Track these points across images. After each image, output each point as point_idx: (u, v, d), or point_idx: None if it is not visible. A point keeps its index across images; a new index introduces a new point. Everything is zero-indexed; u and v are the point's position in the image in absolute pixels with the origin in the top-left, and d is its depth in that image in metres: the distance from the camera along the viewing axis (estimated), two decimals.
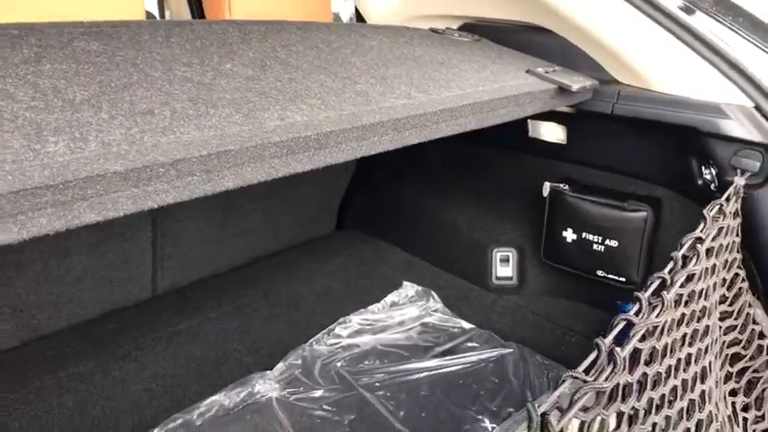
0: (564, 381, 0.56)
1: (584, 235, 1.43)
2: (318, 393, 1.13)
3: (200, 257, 1.63)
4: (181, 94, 0.63)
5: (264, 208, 1.74)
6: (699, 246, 0.80)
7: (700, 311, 0.81)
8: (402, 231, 1.90)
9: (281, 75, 0.77)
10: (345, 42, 1.00)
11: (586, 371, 0.57)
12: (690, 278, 0.77)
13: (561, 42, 1.32)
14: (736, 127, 1.03)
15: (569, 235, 1.45)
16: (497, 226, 1.69)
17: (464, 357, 1.25)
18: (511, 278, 1.66)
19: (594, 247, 1.41)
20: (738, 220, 0.99)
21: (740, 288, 0.98)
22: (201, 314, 1.47)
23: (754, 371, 0.99)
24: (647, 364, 0.66)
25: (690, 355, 0.77)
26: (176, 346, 1.34)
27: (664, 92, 1.12)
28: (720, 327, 0.94)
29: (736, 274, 0.97)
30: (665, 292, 0.70)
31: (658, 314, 0.68)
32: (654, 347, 0.68)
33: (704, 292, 0.83)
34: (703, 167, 1.15)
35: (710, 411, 0.79)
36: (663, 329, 0.70)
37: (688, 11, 1.10)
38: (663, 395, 0.69)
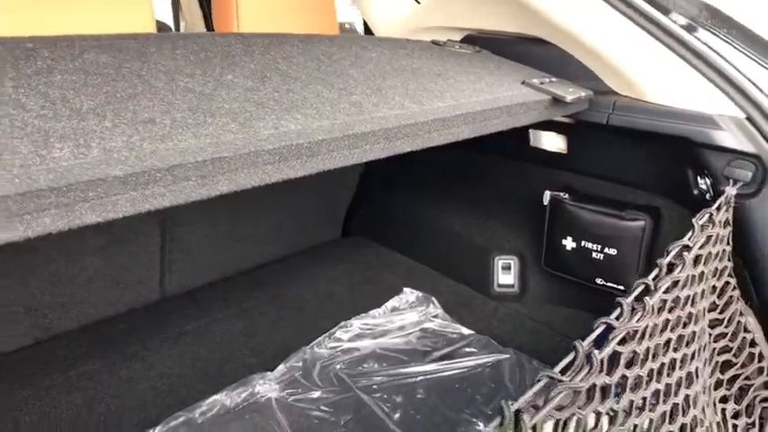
0: (539, 380, 0.58)
1: (583, 243, 1.44)
2: (316, 394, 1.16)
3: (207, 261, 1.67)
4: (182, 104, 0.66)
5: (271, 214, 1.78)
6: (686, 253, 0.82)
7: (686, 318, 0.83)
8: (405, 238, 1.93)
9: (280, 86, 0.80)
10: (345, 54, 1.04)
11: (563, 371, 0.60)
12: (675, 284, 0.79)
13: (561, 54, 1.34)
14: (728, 138, 1.05)
15: (569, 243, 1.47)
16: (499, 234, 1.71)
17: (461, 362, 1.27)
18: (512, 286, 1.68)
19: (594, 255, 1.43)
20: (729, 228, 1.00)
21: (731, 296, 0.99)
22: (208, 316, 1.51)
23: (746, 378, 1.00)
24: (628, 366, 0.68)
25: (674, 359, 0.79)
26: (182, 346, 1.38)
27: (658, 103, 1.14)
28: (710, 334, 0.96)
29: (727, 283, 0.99)
30: (647, 298, 0.72)
31: (639, 319, 0.70)
32: (634, 351, 0.69)
33: (690, 298, 0.84)
34: (699, 177, 1.17)
35: (695, 416, 0.81)
36: (644, 334, 0.71)
37: (682, 24, 1.12)
38: (644, 398, 0.71)
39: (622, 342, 0.68)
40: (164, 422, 1.08)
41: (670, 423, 0.75)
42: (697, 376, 0.85)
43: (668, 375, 0.77)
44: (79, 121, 0.56)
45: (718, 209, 0.96)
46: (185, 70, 0.78)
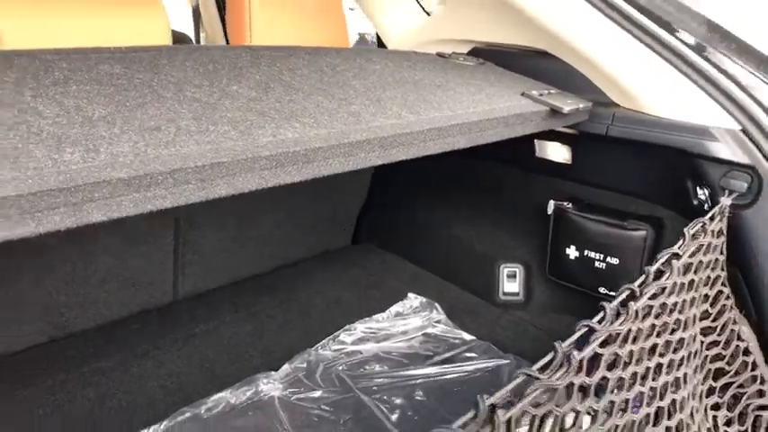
0: (517, 377, 0.61)
1: (586, 252, 1.46)
2: (318, 394, 1.20)
3: (219, 265, 1.72)
4: (187, 113, 0.71)
5: (283, 221, 1.83)
6: (674, 261, 0.84)
7: (674, 324, 0.85)
8: (413, 245, 1.96)
9: (282, 96, 0.85)
10: (350, 66, 1.08)
11: (541, 369, 0.62)
12: (662, 291, 0.81)
13: (564, 66, 1.37)
14: (723, 149, 1.06)
15: (572, 252, 1.49)
16: (505, 242, 1.73)
17: (461, 366, 1.29)
18: (517, 294, 1.69)
19: (596, 264, 1.45)
20: (723, 238, 1.01)
21: (724, 305, 1.00)
22: (218, 318, 1.55)
23: (739, 386, 1.01)
24: (609, 368, 0.71)
25: (660, 364, 0.81)
26: (192, 347, 1.43)
27: (656, 115, 1.17)
28: (702, 342, 0.97)
29: (720, 291, 1.00)
30: (631, 303, 0.74)
31: (622, 323, 0.73)
32: (616, 354, 0.72)
33: (679, 305, 0.86)
34: (698, 188, 1.19)
35: (682, 419, 0.82)
36: (627, 337, 0.74)
37: (680, 38, 1.14)
38: (626, 399, 0.73)
39: (604, 344, 0.70)
40: (170, 417, 1.12)
41: (654, 425, 0.77)
42: (685, 382, 0.86)
43: (653, 379, 0.79)
44: (90, 128, 0.61)
45: (712, 218, 0.97)
46: (194, 81, 0.82)
